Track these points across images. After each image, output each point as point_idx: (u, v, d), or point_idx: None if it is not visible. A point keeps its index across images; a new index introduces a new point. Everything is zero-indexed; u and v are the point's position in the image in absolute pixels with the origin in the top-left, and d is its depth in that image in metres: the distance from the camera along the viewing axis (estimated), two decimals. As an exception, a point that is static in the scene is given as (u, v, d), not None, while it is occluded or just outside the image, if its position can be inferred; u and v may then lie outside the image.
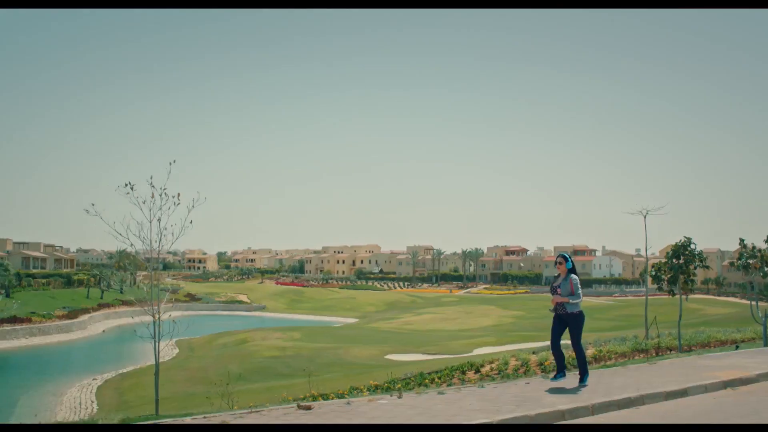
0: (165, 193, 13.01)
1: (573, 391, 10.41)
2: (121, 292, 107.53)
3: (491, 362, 29.46)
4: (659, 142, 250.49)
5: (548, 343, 13.09)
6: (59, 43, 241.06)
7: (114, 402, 38.28)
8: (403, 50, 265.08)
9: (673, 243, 29.04)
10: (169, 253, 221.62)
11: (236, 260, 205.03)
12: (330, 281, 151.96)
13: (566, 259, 11.07)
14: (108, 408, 35.97)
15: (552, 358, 18.21)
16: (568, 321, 11.01)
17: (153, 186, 12.89)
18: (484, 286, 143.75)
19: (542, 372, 24.18)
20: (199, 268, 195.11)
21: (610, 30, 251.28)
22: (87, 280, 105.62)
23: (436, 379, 26.94)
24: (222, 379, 42.37)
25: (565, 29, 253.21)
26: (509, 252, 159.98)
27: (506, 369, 27.85)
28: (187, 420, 8.42)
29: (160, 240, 13.55)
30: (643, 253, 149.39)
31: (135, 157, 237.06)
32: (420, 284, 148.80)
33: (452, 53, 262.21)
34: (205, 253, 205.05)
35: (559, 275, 11.18)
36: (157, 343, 13.35)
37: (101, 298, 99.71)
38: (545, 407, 9.08)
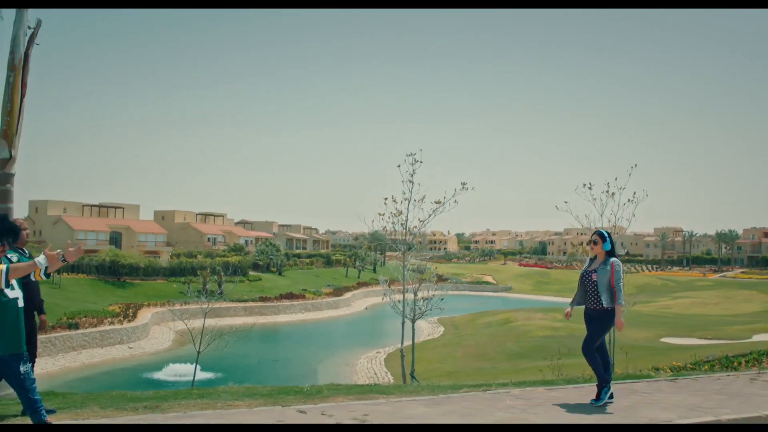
0: (610, 192, 16.14)
1: None
2: (374, 271, 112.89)
3: (802, 347, 28.41)
4: None
5: None
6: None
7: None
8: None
9: None
10: (410, 234, 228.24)
11: (476, 242, 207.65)
12: (574, 263, 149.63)
13: (603, 238, 8.29)
14: (401, 378, 38.29)
15: None
16: (595, 317, 8.26)
17: (608, 185, 16.30)
18: (740, 270, 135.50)
19: None
20: (440, 249, 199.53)
21: None
22: (344, 260, 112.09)
23: (744, 363, 26.32)
24: (501, 356, 43.94)
25: None
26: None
27: (821, 355, 26.75)
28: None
29: (615, 227, 16.82)
30: None
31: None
32: (669, 267, 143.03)
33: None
34: (445, 235, 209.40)
35: (594, 258, 8.45)
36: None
37: (358, 277, 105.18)
38: None
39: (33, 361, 7.43)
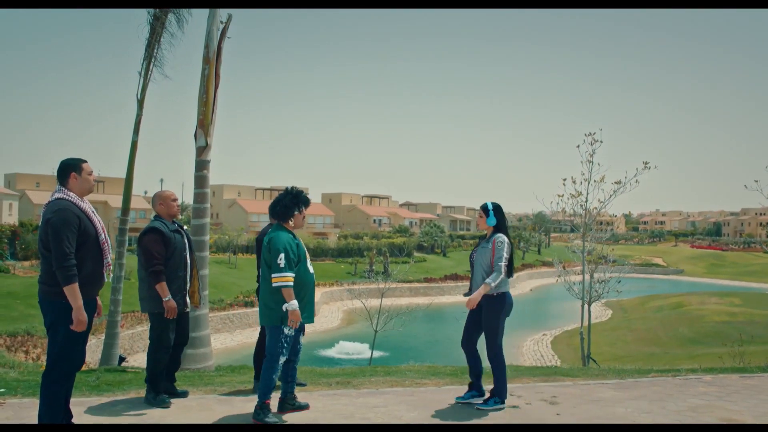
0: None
1: None
2: (539, 253, 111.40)
3: None
4: None
5: None
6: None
7: (572, 356, 39.92)
8: None
9: None
10: (576, 215, 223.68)
11: (644, 222, 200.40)
12: (753, 245, 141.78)
13: (486, 212, 6.86)
14: (570, 361, 37.71)
15: None
16: (482, 305, 6.79)
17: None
18: None
19: None
20: (606, 230, 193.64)
21: None
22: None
23: None
24: (673, 341, 42.42)
25: None
26: None
27: None
28: None
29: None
30: None
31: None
32: None
33: None
34: (612, 215, 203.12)
35: (485, 235, 7.01)
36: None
37: (523, 258, 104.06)
38: None
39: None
